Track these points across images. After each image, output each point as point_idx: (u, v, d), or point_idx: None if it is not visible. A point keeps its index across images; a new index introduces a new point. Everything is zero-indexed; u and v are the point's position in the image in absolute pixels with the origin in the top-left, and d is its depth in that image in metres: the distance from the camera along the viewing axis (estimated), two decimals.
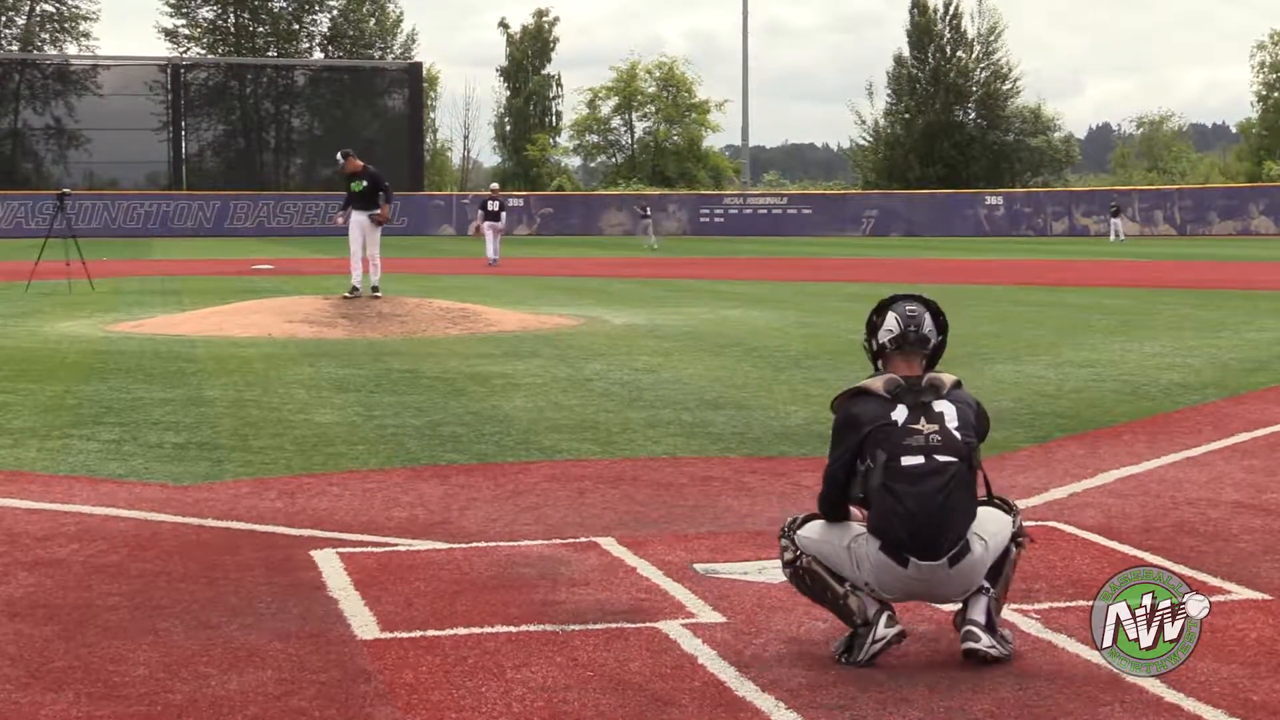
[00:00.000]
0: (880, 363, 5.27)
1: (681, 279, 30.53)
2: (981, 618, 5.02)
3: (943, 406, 5.07)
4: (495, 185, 52.36)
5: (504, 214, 40.49)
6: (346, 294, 19.80)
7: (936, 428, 5.01)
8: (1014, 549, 5.16)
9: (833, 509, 5.22)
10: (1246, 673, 4.97)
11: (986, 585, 5.06)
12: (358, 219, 20.40)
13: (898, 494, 4.96)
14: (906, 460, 4.97)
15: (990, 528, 5.09)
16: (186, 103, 76.46)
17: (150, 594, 5.92)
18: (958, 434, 5.02)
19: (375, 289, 20.00)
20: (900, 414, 5.04)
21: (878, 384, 5.12)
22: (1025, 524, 6.64)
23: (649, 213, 55.83)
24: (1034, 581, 6.13)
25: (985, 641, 4.98)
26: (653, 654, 5.14)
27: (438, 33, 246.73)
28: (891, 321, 5.24)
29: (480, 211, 39.87)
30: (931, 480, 4.95)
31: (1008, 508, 5.23)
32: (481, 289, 26.54)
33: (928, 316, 5.25)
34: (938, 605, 5.34)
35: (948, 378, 5.15)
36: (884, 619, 4.99)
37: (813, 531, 5.22)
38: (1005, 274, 32.96)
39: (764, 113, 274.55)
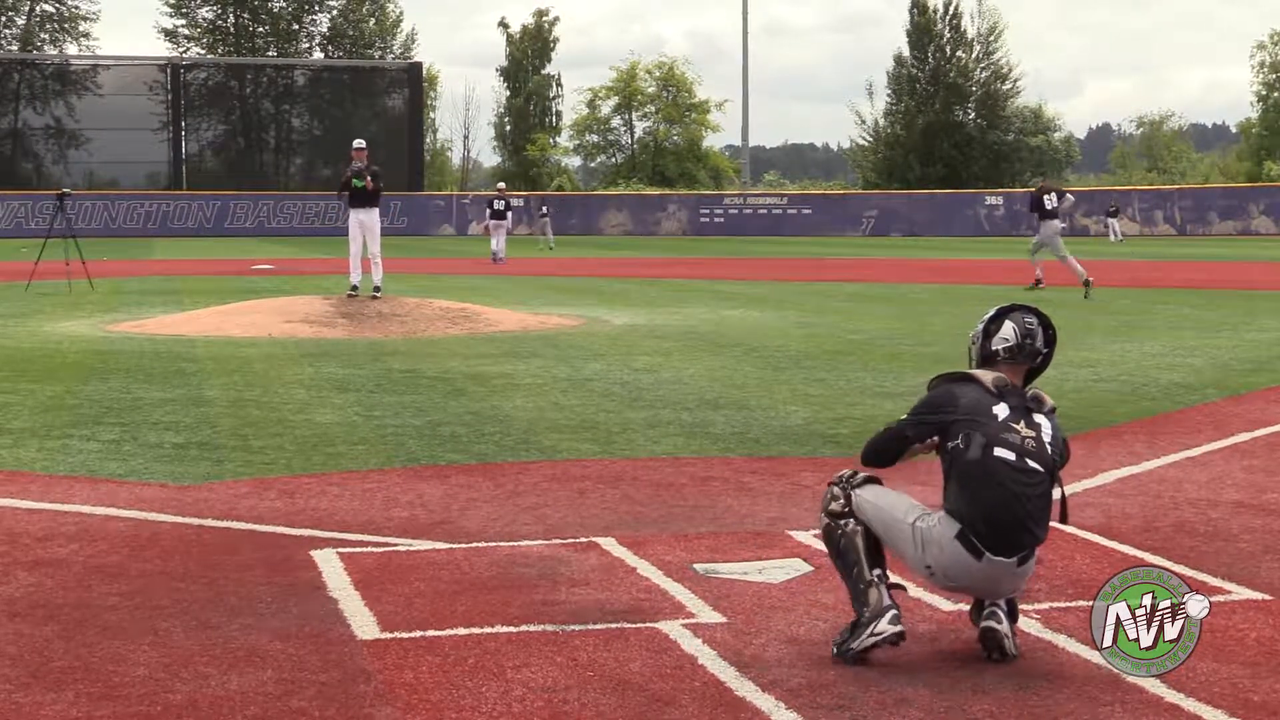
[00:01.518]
0: (984, 368, 5.28)
1: (681, 279, 30.53)
2: (1004, 605, 5.07)
3: (1042, 420, 5.11)
4: (502, 185, 52.61)
5: (509, 213, 41.10)
6: (349, 293, 19.84)
7: (1034, 435, 5.05)
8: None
9: (878, 456, 5.26)
10: (1246, 673, 4.98)
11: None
12: (358, 217, 20.41)
13: (983, 482, 4.95)
14: (999, 452, 4.99)
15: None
16: (186, 103, 76.49)
17: (150, 594, 5.92)
18: (1050, 448, 5.07)
19: (377, 289, 20.00)
20: (1002, 410, 5.07)
21: (987, 377, 5.15)
22: None
23: (546, 212, 55.90)
24: (1034, 581, 6.13)
25: (1005, 628, 5.02)
26: (653, 654, 5.14)
27: (438, 33, 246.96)
28: (1009, 331, 5.26)
29: (487, 210, 40.96)
30: (1019, 482, 4.97)
31: (1062, 518, 5.27)
32: (481, 289, 26.54)
33: (1041, 331, 5.31)
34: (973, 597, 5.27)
35: (1049, 399, 5.22)
36: (889, 615, 4.98)
37: (874, 496, 5.15)
38: (1005, 274, 32.95)
39: (764, 113, 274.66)
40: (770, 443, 9.70)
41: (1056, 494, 5.14)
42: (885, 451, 5.25)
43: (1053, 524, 5.19)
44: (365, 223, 20.38)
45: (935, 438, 5.15)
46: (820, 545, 5.24)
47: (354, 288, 19.98)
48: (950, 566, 4.99)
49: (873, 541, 5.12)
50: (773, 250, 49.65)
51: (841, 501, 5.17)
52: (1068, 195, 25.77)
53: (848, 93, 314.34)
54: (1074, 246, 55.22)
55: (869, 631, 4.97)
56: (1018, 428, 5.03)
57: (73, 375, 13.21)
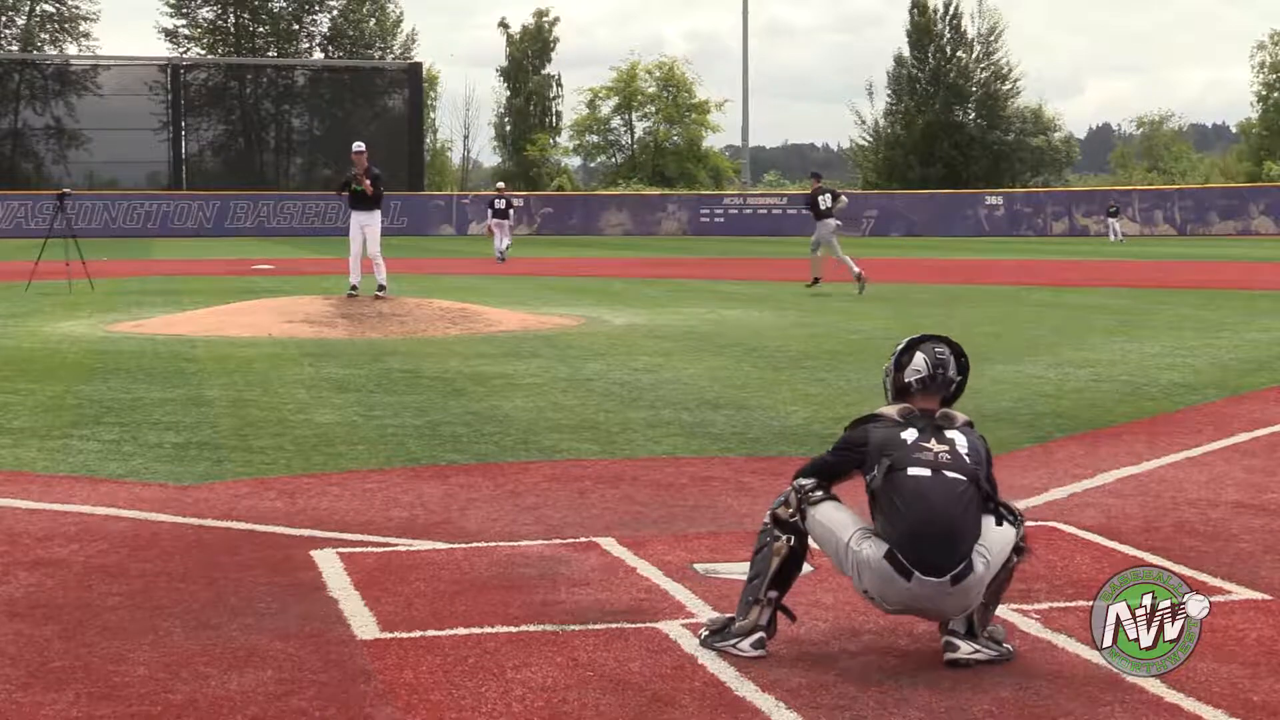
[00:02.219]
0: (899, 400, 5.35)
1: (681, 279, 30.53)
2: (960, 626, 5.05)
3: (954, 434, 5.14)
4: (501, 184, 52.63)
5: (511, 211, 41.39)
6: (349, 293, 19.87)
7: (947, 449, 5.07)
8: (1014, 558, 5.14)
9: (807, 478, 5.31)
10: (1246, 673, 4.98)
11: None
12: (359, 220, 20.48)
13: (904, 503, 4.96)
14: (913, 470, 5.01)
15: (995, 545, 5.07)
16: (186, 103, 76.49)
17: (150, 594, 5.92)
18: (967, 458, 5.07)
19: (381, 288, 20.08)
20: (910, 434, 5.12)
21: (892, 410, 5.24)
22: (1027, 524, 6.65)
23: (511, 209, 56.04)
24: (1034, 581, 6.13)
25: (965, 650, 5.00)
26: (653, 654, 5.14)
27: (438, 33, 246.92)
28: (920, 362, 5.33)
29: (489, 210, 41.22)
30: (939, 495, 4.96)
31: (1014, 519, 5.16)
32: (481, 289, 26.54)
33: (953, 360, 5.38)
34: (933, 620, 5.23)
35: (960, 415, 5.25)
36: (754, 638, 5.10)
37: (825, 517, 5.15)
38: (1005, 274, 32.96)
39: (764, 113, 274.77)
40: (770, 443, 9.70)
41: (1004, 529, 5.08)
42: (819, 471, 5.31)
43: (1003, 508, 5.13)
44: (366, 225, 20.44)
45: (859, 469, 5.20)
46: (816, 545, 5.24)
47: (354, 288, 20.02)
48: (883, 588, 4.98)
49: (791, 564, 5.18)
50: (773, 250, 49.64)
51: (792, 511, 5.21)
52: (843, 196, 26.76)
53: (848, 93, 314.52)
54: (1074, 246, 55.07)
55: (731, 643, 5.12)
56: (929, 445, 5.08)
57: (73, 375, 13.21)
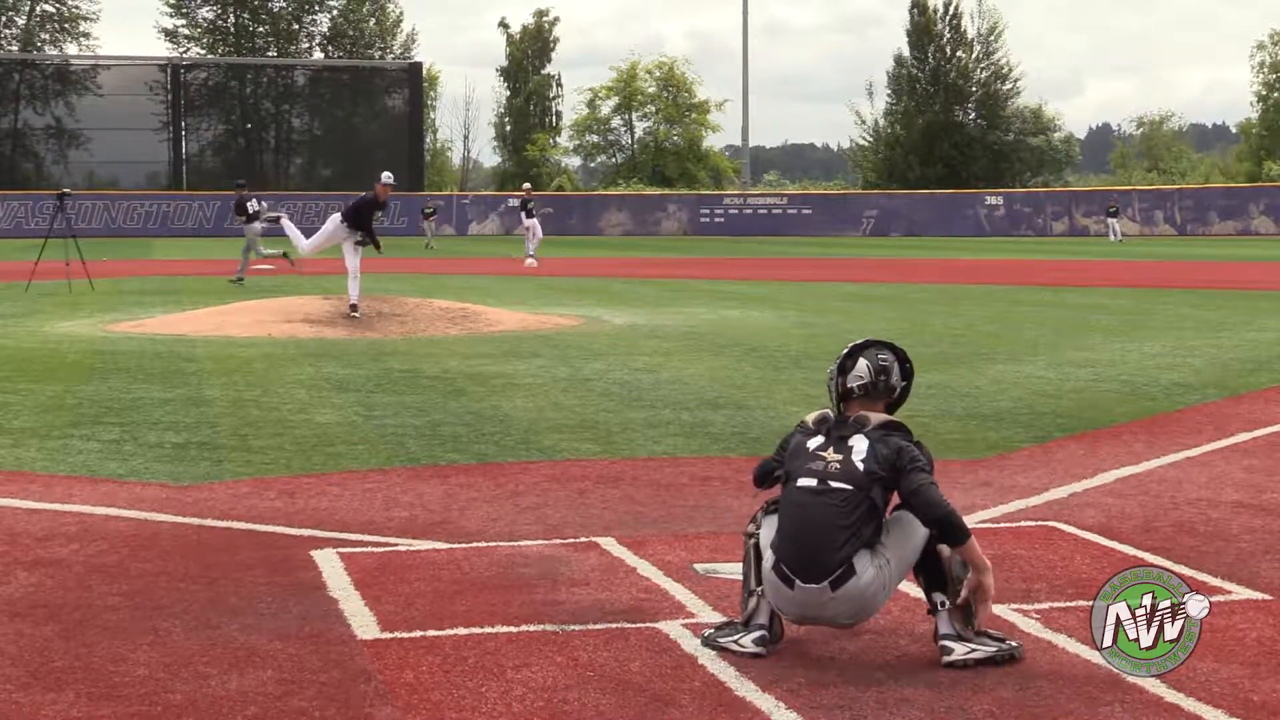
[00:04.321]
0: (843, 404, 5.40)
1: (681, 279, 30.53)
2: (949, 630, 5.07)
3: (857, 441, 5.17)
4: (527, 186, 52.74)
5: (523, 213, 41.77)
6: (355, 315, 18.51)
7: (841, 458, 5.14)
8: (940, 546, 5.09)
9: (760, 479, 5.48)
10: (1246, 673, 4.98)
11: (941, 599, 5.10)
12: (355, 240, 18.99)
13: (787, 513, 5.14)
14: (801, 481, 5.15)
15: (897, 546, 5.08)
16: (186, 103, 76.47)
17: (150, 594, 5.92)
18: (860, 465, 5.09)
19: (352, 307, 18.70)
20: (815, 442, 5.22)
21: (812, 417, 5.36)
22: (1026, 524, 6.65)
23: (431, 213, 56.11)
24: (1034, 581, 6.14)
25: (960, 651, 5.02)
26: (653, 654, 5.14)
27: (438, 33, 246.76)
28: (863, 369, 5.37)
29: (522, 213, 41.56)
30: (818, 504, 5.05)
31: (934, 513, 5.06)
32: (481, 289, 26.54)
33: (897, 366, 5.42)
34: (838, 628, 5.24)
35: (877, 417, 5.25)
36: (756, 634, 5.13)
37: (765, 528, 5.29)
38: (1005, 274, 32.97)
39: (764, 113, 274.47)
40: (770, 443, 9.65)
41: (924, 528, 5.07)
42: (763, 477, 5.47)
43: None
44: (358, 242, 19.00)
45: None
46: None
47: (354, 306, 18.67)
48: (774, 597, 5.13)
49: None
50: (773, 250, 49.65)
51: (753, 526, 5.36)
52: (264, 204, 29.03)
53: (848, 93, 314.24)
54: (1074, 246, 55.05)
55: (735, 640, 5.16)
56: (825, 455, 5.16)
57: (73, 375, 13.21)
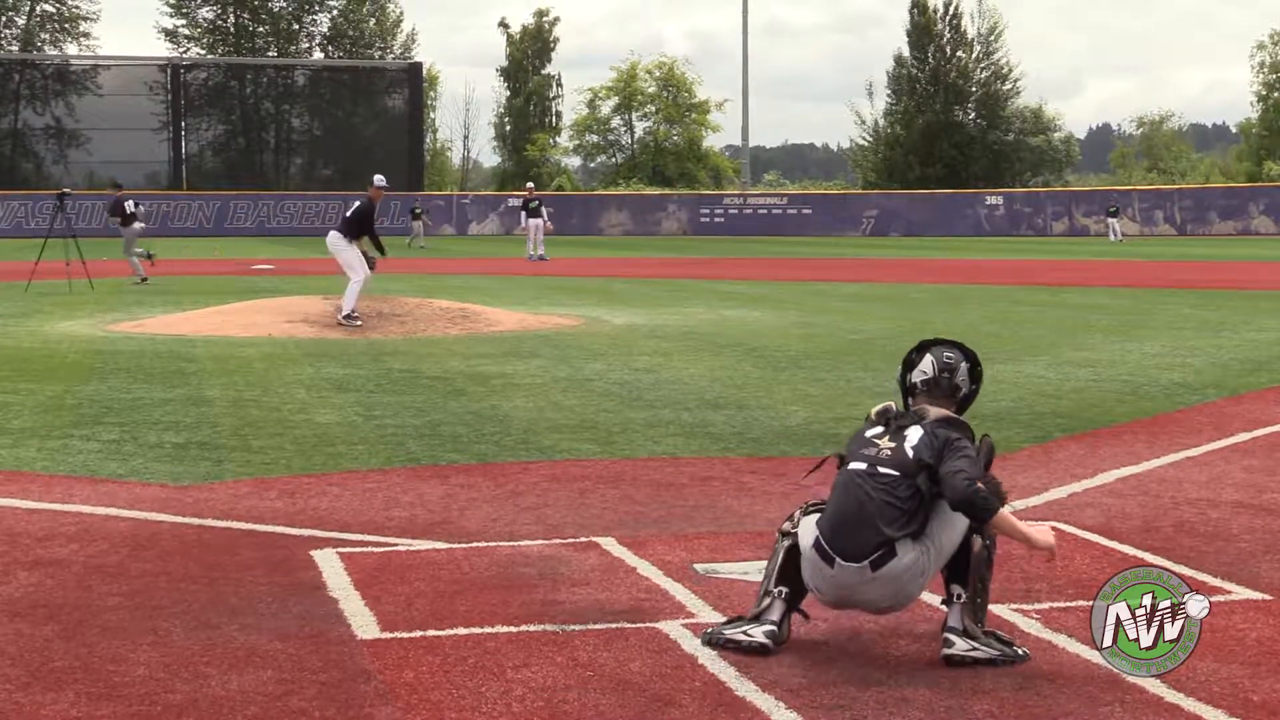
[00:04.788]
0: (909, 400, 5.39)
1: (681, 279, 30.53)
2: (957, 624, 5.07)
3: (912, 431, 5.18)
4: (531, 185, 52.76)
5: (524, 212, 42.36)
6: (343, 320, 17.97)
7: (894, 445, 5.15)
8: (980, 542, 5.10)
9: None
10: (1246, 673, 4.98)
11: (958, 591, 5.10)
12: (359, 249, 18.47)
13: (836, 494, 5.15)
14: (853, 465, 5.17)
15: (940, 534, 5.08)
16: (186, 103, 76.49)
17: (150, 594, 5.92)
18: (910, 451, 5.10)
19: (350, 316, 18.12)
20: (874, 431, 5.24)
21: (877, 409, 5.34)
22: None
23: (420, 213, 56.18)
24: (1034, 581, 6.14)
25: (961, 646, 5.02)
26: (653, 654, 5.14)
27: (438, 33, 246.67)
28: (927, 364, 5.37)
29: (523, 213, 42.17)
30: (867, 486, 5.06)
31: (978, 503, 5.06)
32: (481, 289, 26.54)
33: (964, 366, 5.38)
34: (873, 613, 5.25)
35: (936, 412, 5.25)
36: (765, 628, 5.12)
37: (803, 525, 5.29)
38: (1005, 274, 32.96)
39: (764, 113, 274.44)
40: (770, 443, 9.70)
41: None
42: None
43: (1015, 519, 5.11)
44: (360, 253, 18.35)
45: None
46: None
47: (349, 316, 17.96)
48: (814, 577, 5.10)
49: (793, 562, 5.23)
50: (773, 250, 49.65)
51: (789, 524, 5.34)
52: (141, 206, 29.45)
53: (848, 93, 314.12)
54: (1074, 246, 55.06)
55: (742, 630, 5.15)
56: (880, 442, 5.18)
57: (73, 375, 13.21)
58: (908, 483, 5.05)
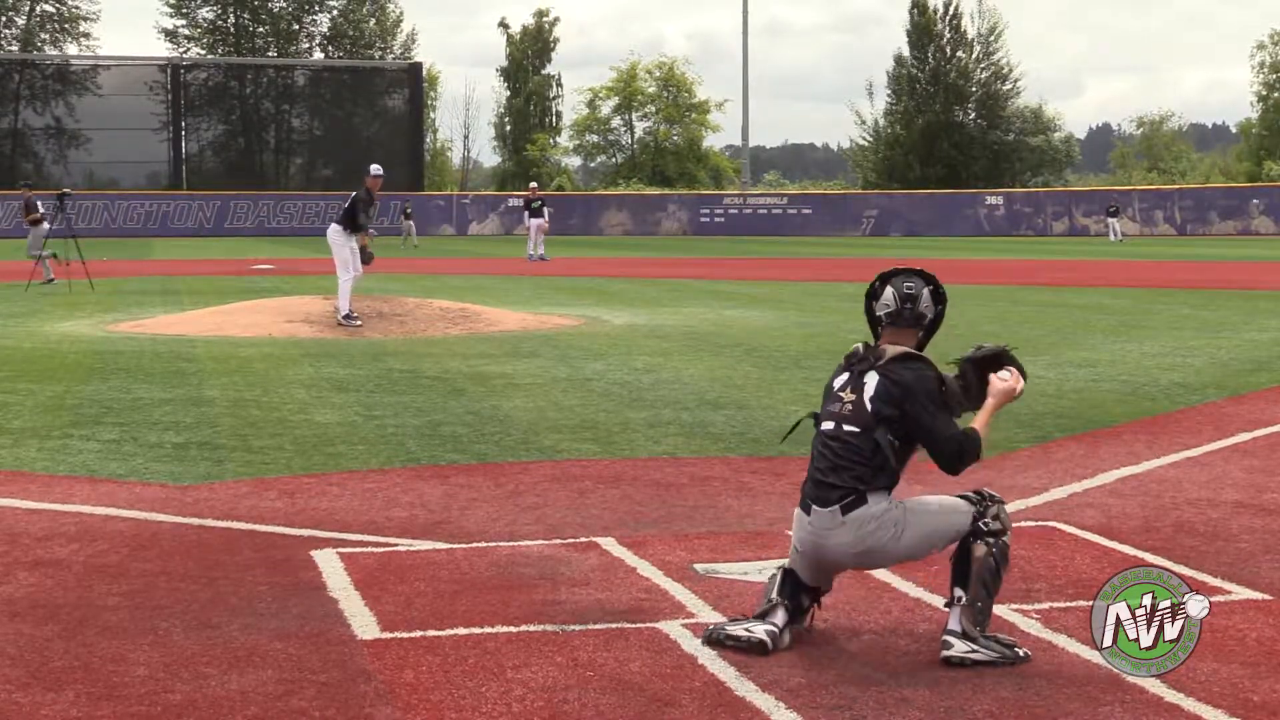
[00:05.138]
0: (877, 331, 5.48)
1: (681, 279, 30.52)
2: (955, 626, 5.08)
3: (870, 377, 5.25)
4: (534, 185, 52.74)
5: (527, 212, 42.53)
6: (341, 320, 17.82)
7: (854, 398, 5.23)
8: (984, 548, 5.11)
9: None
10: (1246, 673, 4.97)
11: (959, 594, 5.10)
12: (351, 245, 18.18)
13: (814, 452, 5.28)
14: (824, 425, 5.29)
15: (919, 506, 5.18)
16: (186, 103, 76.48)
17: (150, 594, 5.92)
18: (869, 405, 5.18)
19: (349, 316, 17.96)
20: (840, 380, 5.34)
21: (849, 351, 5.43)
22: (1026, 524, 6.65)
23: (409, 213, 56.35)
24: (1034, 581, 6.14)
25: (960, 648, 5.02)
26: (653, 654, 5.14)
27: (438, 33, 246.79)
28: (889, 296, 5.42)
29: (526, 212, 42.45)
30: (831, 446, 5.22)
31: (977, 499, 5.21)
32: (481, 289, 26.54)
33: (926, 293, 5.45)
34: (846, 568, 5.33)
35: (894, 349, 5.30)
36: (765, 628, 5.14)
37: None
38: (1005, 274, 32.96)
39: (764, 113, 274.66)
40: (770, 443, 9.69)
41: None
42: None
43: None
44: (354, 248, 18.16)
45: None
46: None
47: (348, 316, 17.86)
48: (796, 530, 5.28)
49: (792, 575, 5.31)
50: (773, 250, 49.64)
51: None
52: (47, 208, 28.65)
53: (848, 93, 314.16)
54: (1074, 246, 54.99)
55: (744, 626, 5.20)
56: (843, 395, 5.27)
57: (73, 375, 13.21)
58: (868, 437, 5.14)
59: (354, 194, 18.64)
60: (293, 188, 74.51)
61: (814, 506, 5.17)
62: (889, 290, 5.41)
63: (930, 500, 5.25)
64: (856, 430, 5.16)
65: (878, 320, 5.43)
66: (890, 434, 5.13)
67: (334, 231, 18.44)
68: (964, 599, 5.09)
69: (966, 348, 5.59)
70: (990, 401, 5.29)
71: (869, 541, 5.10)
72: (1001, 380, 5.31)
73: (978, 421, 5.23)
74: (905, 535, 5.11)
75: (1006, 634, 5.28)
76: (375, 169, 18.81)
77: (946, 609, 5.18)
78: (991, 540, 5.13)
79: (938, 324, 5.46)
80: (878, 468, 5.12)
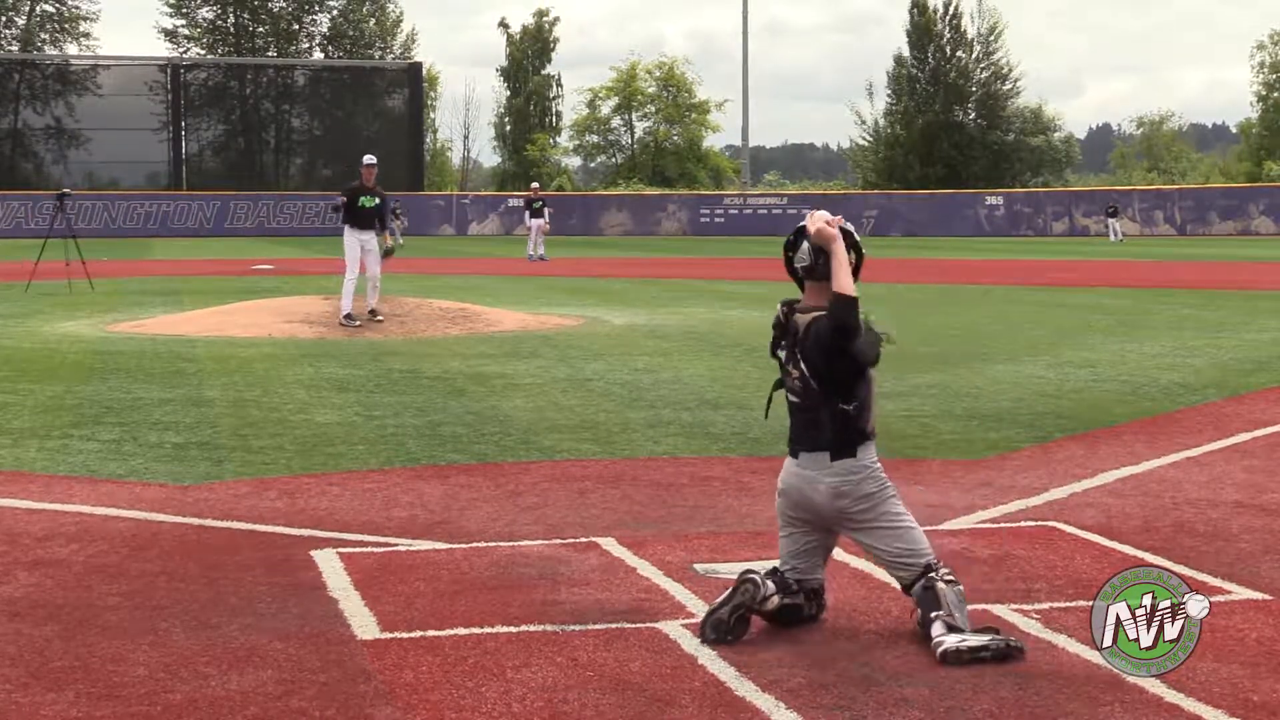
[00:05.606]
0: (800, 284, 5.60)
1: (681, 279, 30.53)
2: (939, 629, 5.13)
3: (802, 352, 5.42)
4: (535, 185, 52.72)
5: (528, 212, 42.57)
6: (342, 320, 17.89)
7: (798, 374, 5.45)
8: (938, 582, 5.24)
9: None
10: (1246, 673, 4.97)
11: (933, 614, 5.18)
12: (359, 238, 18.18)
13: (789, 418, 5.50)
14: (789, 396, 5.55)
15: (909, 518, 5.42)
16: (186, 103, 76.46)
17: (150, 594, 5.92)
18: (813, 383, 5.38)
19: (374, 312, 18.15)
20: (783, 354, 5.53)
21: (779, 313, 5.58)
22: (1026, 524, 6.67)
23: (399, 213, 56.52)
24: (1034, 581, 6.14)
25: (951, 640, 5.07)
26: (653, 654, 5.14)
27: (438, 33, 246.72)
28: (804, 251, 5.52)
29: (527, 213, 42.49)
30: (799, 413, 5.46)
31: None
32: (481, 289, 26.54)
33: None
34: (827, 529, 5.50)
35: (804, 319, 5.43)
36: (778, 596, 5.32)
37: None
38: (1005, 274, 32.96)
39: (764, 113, 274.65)
40: (770, 443, 9.68)
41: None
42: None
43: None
44: (366, 244, 18.18)
45: None
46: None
47: (348, 316, 17.85)
48: (784, 478, 5.49)
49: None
50: (773, 250, 49.46)
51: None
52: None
53: (848, 93, 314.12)
54: (1074, 246, 55.00)
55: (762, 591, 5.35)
56: (791, 370, 5.48)
57: (73, 375, 13.21)
58: (825, 407, 5.36)
59: (353, 186, 18.51)
60: (292, 188, 74.49)
61: (802, 452, 5.41)
62: (805, 245, 5.49)
63: (908, 517, 5.44)
64: (811, 404, 5.39)
65: (795, 272, 5.57)
66: (836, 389, 5.33)
67: (346, 230, 18.42)
68: (939, 614, 5.14)
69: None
70: (827, 255, 5.38)
71: (857, 493, 5.34)
72: (814, 226, 5.43)
73: (834, 281, 5.32)
74: (884, 507, 5.35)
75: (1006, 634, 5.29)
76: (366, 158, 18.58)
77: (922, 628, 5.20)
78: (951, 580, 5.27)
79: (856, 273, 5.52)
80: (845, 424, 5.36)
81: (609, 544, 6.79)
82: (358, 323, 17.78)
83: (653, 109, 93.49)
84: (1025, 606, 5.74)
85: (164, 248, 51.92)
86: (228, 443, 9.59)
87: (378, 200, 18.39)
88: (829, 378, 5.32)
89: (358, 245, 18.15)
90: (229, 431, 10.05)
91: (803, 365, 5.39)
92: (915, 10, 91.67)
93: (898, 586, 5.43)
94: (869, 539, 5.40)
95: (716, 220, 71.18)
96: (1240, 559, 6.58)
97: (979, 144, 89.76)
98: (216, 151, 79.50)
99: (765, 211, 71.84)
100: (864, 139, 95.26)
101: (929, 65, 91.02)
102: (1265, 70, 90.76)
